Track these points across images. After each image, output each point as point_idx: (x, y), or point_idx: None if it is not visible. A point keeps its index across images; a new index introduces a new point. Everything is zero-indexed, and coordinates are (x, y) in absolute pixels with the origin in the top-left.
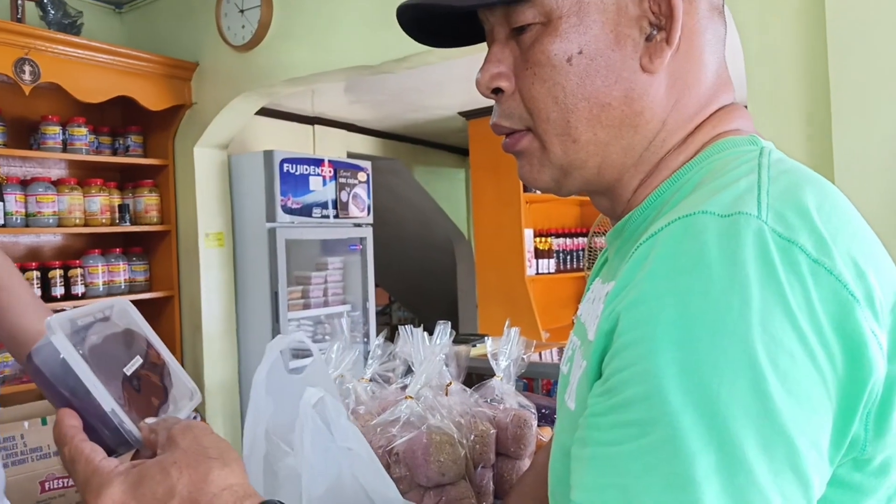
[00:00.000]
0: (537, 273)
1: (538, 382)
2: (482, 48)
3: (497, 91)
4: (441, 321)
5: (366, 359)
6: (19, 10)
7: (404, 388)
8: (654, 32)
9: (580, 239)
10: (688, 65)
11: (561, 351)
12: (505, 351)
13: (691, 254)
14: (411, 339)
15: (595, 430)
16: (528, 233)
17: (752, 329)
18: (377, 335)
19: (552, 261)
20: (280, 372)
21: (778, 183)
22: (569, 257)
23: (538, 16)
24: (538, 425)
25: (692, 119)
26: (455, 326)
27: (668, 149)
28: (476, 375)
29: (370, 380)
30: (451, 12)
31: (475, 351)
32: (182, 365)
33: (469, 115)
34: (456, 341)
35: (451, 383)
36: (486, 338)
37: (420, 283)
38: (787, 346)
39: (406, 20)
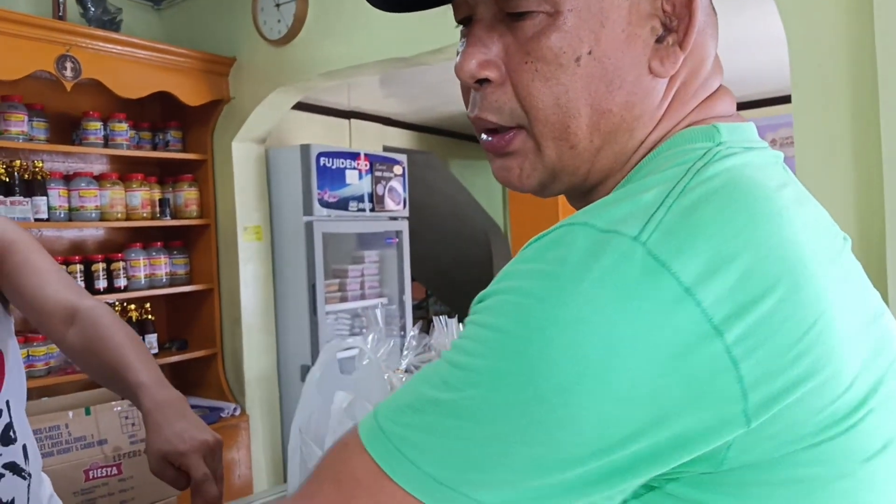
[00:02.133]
0: None
1: None
2: None
3: (483, 81)
4: None
5: (401, 350)
6: (60, 8)
7: None
8: (665, 34)
9: None
10: (691, 65)
11: None
12: None
13: (549, 261)
14: (446, 329)
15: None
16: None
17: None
18: (413, 324)
19: None
20: (333, 371)
21: (690, 195)
22: None
23: (543, 3)
24: None
25: (683, 115)
26: None
27: (662, 139)
28: None
29: (405, 371)
30: None
31: None
32: (222, 357)
33: None
34: None
35: None
36: None
37: (457, 277)
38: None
39: None
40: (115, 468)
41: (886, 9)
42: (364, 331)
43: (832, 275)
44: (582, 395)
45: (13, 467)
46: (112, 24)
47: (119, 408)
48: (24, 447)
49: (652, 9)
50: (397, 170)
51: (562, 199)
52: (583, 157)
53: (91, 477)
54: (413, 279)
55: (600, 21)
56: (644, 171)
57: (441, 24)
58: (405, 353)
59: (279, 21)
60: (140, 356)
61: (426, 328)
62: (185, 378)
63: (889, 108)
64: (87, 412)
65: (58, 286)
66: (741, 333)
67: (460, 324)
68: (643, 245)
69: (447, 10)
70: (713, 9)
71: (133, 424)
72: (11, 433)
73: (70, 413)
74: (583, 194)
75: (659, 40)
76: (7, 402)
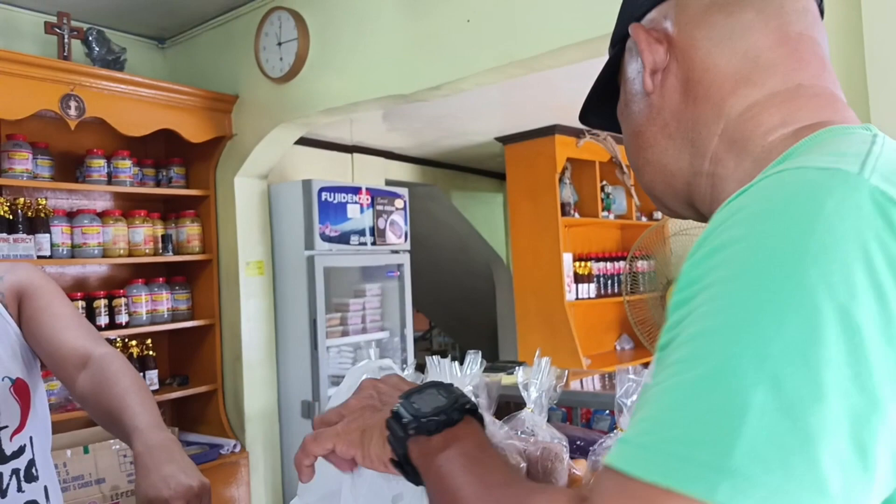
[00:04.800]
0: (577, 298)
1: (577, 411)
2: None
3: None
4: (471, 350)
5: None
6: (66, 48)
7: None
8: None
9: (621, 263)
10: (691, 67)
11: (603, 378)
12: (535, 381)
13: (775, 200)
14: (439, 369)
15: (654, 377)
16: (567, 257)
17: (822, 278)
18: (415, 356)
19: (592, 285)
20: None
21: (891, 154)
22: (609, 282)
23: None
24: (571, 458)
25: (723, 105)
26: (495, 352)
27: (717, 132)
28: (514, 404)
29: None
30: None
31: (508, 379)
32: (223, 393)
33: (505, 139)
34: (492, 369)
35: None
36: (521, 366)
37: (459, 309)
38: (860, 301)
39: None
40: None
41: (876, 34)
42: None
43: None
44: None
45: None
46: (116, 63)
47: (117, 446)
48: (46, 488)
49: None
50: (399, 203)
51: (563, 231)
52: (646, 172)
53: None
54: (416, 311)
55: (628, 74)
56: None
57: (438, 61)
58: None
59: (281, 59)
60: (141, 401)
61: (420, 367)
62: (186, 414)
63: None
64: (86, 451)
65: (76, 332)
66: None
67: (455, 363)
68: (868, 180)
69: (448, 47)
70: (724, 14)
71: (131, 463)
72: (34, 470)
73: (69, 451)
74: (688, 204)
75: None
76: (31, 439)
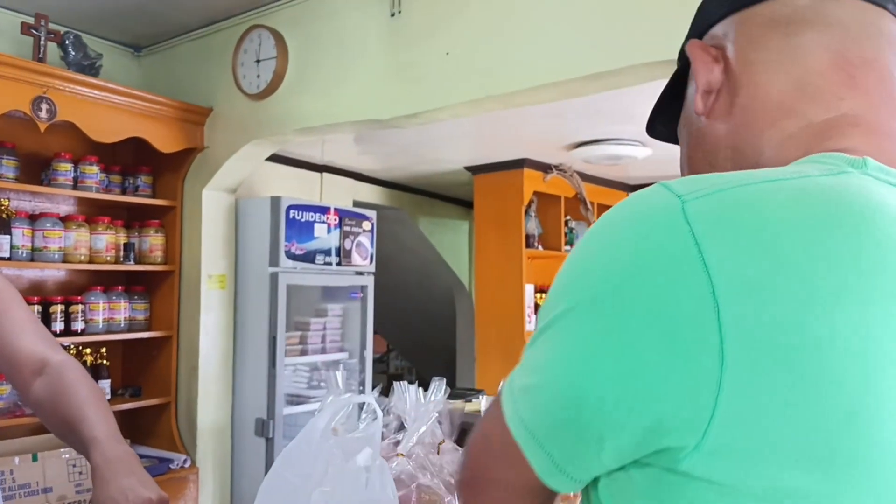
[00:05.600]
0: None
1: None
2: (494, 109)
3: None
4: (436, 377)
5: (360, 413)
6: (41, 50)
7: (397, 443)
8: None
9: None
10: (741, 91)
11: None
12: None
13: (608, 215)
14: (406, 394)
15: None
16: (529, 288)
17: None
18: (373, 384)
19: None
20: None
21: (761, 187)
22: None
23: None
24: None
25: (763, 134)
26: (452, 378)
27: (758, 162)
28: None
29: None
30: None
31: (470, 406)
32: (176, 406)
33: (475, 169)
34: (451, 396)
35: (443, 441)
36: (481, 394)
37: (419, 333)
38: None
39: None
40: None
41: None
42: (322, 384)
43: None
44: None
45: None
46: (92, 68)
47: (67, 455)
48: None
49: None
50: (366, 225)
51: (526, 260)
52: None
53: None
54: (375, 332)
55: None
56: None
57: (416, 91)
58: (363, 415)
59: (258, 76)
60: (100, 412)
61: (386, 389)
62: (137, 426)
63: None
64: (35, 458)
65: (34, 338)
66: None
67: (420, 389)
68: (680, 198)
69: (427, 77)
70: (783, 34)
71: (80, 473)
72: None
73: (16, 458)
74: None
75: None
76: None
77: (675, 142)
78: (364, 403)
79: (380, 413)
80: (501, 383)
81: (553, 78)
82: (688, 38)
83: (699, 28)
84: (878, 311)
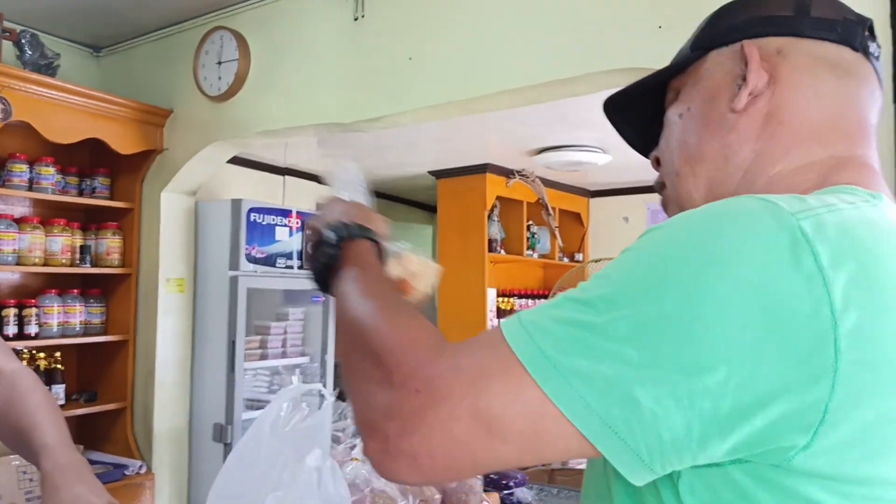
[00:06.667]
0: None
1: None
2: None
3: (658, 163)
4: None
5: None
6: None
7: (352, 448)
8: (742, 81)
9: (542, 300)
10: (782, 106)
11: None
12: None
13: (710, 211)
14: None
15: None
16: (492, 292)
17: (699, 279)
18: (335, 387)
19: None
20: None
21: (843, 213)
22: None
23: (673, 96)
24: (485, 491)
25: (789, 151)
26: None
27: (770, 173)
28: None
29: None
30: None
31: None
32: (132, 412)
33: (439, 174)
34: None
35: None
36: None
37: None
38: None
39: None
40: None
41: None
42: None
43: None
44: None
45: None
46: (49, 68)
47: (17, 462)
48: None
49: (738, 70)
50: None
51: (489, 265)
52: (689, 183)
53: None
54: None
55: (698, 90)
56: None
57: (379, 95)
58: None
59: (220, 78)
60: (52, 420)
61: (342, 395)
62: (92, 432)
63: None
64: None
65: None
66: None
67: None
68: (797, 218)
69: (389, 82)
70: (834, 74)
71: (31, 480)
72: None
73: None
74: None
75: (739, 87)
76: None
77: (627, 125)
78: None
79: (329, 399)
80: (512, 326)
81: (513, 84)
82: (719, 31)
83: (745, 30)
84: None
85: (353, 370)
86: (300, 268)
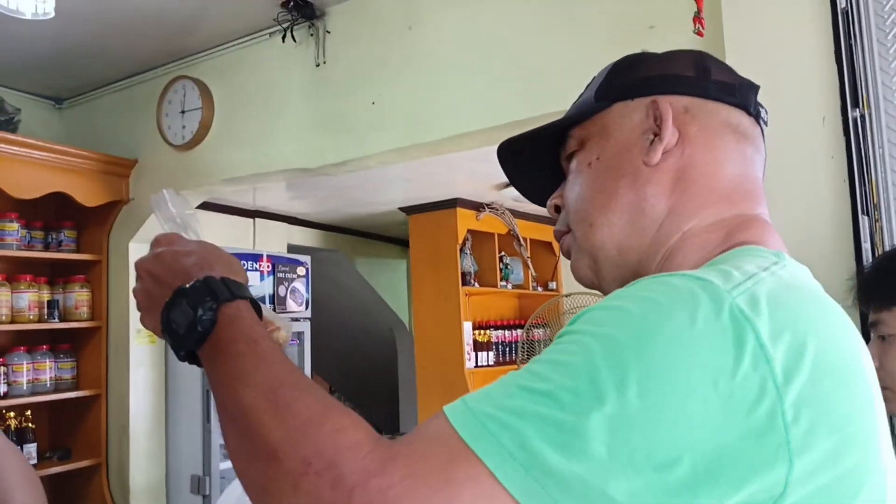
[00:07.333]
0: (477, 366)
1: None
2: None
3: (558, 210)
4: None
5: None
6: None
7: None
8: (653, 136)
9: (518, 331)
10: (692, 165)
11: None
12: None
13: (652, 289)
14: None
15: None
16: (468, 325)
17: (643, 361)
18: None
19: (491, 353)
20: None
21: (766, 282)
22: (507, 349)
23: (576, 144)
24: None
25: (701, 210)
26: (395, 417)
27: (683, 228)
28: None
29: None
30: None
31: None
32: (107, 468)
33: (409, 210)
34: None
35: None
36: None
37: (361, 373)
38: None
39: (505, 156)
40: None
41: None
42: None
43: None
44: (663, 402)
45: None
46: (9, 124)
47: None
48: None
49: (647, 124)
50: (300, 271)
51: (464, 297)
52: (604, 233)
53: None
54: (316, 374)
55: (606, 139)
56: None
57: (343, 140)
58: None
59: (184, 127)
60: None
61: None
62: (67, 491)
63: None
64: None
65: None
66: (790, 404)
67: None
68: (731, 296)
69: (354, 126)
70: (738, 138)
71: None
72: None
73: None
74: (631, 278)
75: (651, 142)
76: None
77: (519, 170)
78: None
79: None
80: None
81: (475, 126)
82: (626, 84)
83: (656, 86)
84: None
85: (255, 475)
86: (273, 311)
